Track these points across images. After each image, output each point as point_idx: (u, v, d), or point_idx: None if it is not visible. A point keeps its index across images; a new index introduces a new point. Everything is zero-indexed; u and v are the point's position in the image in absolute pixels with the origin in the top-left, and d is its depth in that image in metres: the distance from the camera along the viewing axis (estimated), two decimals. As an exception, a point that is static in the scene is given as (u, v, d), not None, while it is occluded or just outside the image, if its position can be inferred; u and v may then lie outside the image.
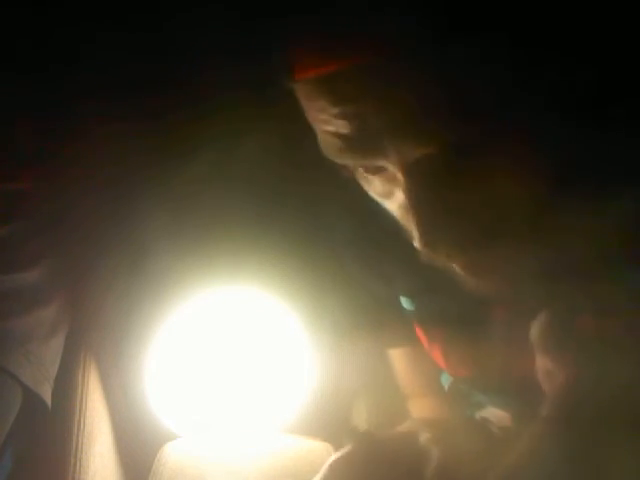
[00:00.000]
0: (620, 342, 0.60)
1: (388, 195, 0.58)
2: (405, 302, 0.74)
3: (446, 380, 0.79)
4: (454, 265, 0.59)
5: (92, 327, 0.87)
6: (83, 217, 0.83)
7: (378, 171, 0.56)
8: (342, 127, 0.53)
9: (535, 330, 0.58)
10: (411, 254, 0.65)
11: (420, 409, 0.82)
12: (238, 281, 0.88)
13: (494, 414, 0.74)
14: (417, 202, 0.54)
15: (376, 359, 0.87)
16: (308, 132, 0.73)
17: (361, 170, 0.58)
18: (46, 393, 0.75)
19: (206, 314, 0.88)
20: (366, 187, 0.60)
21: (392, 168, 0.54)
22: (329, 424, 0.91)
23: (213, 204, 0.85)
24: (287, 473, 0.82)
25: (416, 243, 0.55)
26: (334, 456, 0.66)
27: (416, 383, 0.83)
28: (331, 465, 0.65)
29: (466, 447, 0.66)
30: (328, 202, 0.75)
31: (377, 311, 0.78)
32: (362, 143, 0.53)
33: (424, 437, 0.66)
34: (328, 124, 0.54)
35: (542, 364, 0.59)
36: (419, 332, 0.75)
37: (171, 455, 0.85)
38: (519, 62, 0.50)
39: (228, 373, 0.88)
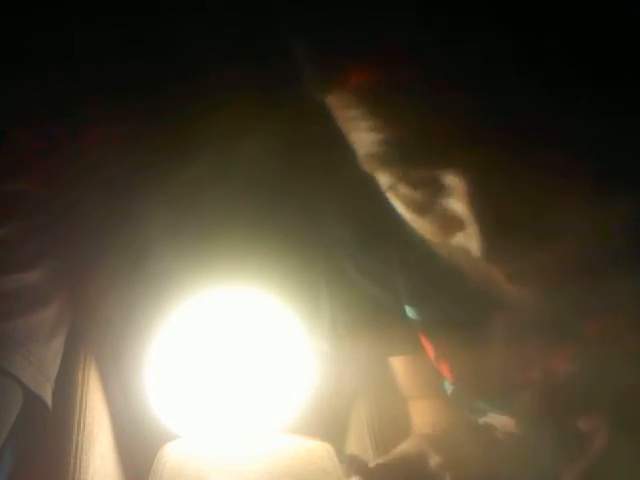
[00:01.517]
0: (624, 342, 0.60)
1: (426, 207, 0.57)
2: (410, 311, 0.73)
3: (449, 386, 0.79)
4: (496, 273, 0.58)
5: (92, 327, 0.87)
6: (83, 217, 0.83)
7: (422, 182, 0.56)
8: (398, 134, 0.52)
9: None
10: (414, 260, 0.64)
11: (421, 411, 0.82)
12: (238, 281, 0.88)
13: (498, 419, 0.74)
14: (480, 209, 0.54)
15: (376, 359, 0.87)
16: (310, 133, 0.73)
17: (399, 183, 0.57)
18: (47, 394, 0.75)
19: (206, 314, 0.88)
20: (398, 200, 0.59)
21: (448, 178, 0.54)
22: (329, 424, 0.91)
23: (213, 204, 0.85)
24: (287, 473, 0.81)
25: (475, 251, 0.55)
26: None
27: (417, 385, 0.83)
28: None
29: (470, 452, 0.66)
30: (328, 205, 0.74)
31: (377, 312, 0.78)
32: (419, 151, 0.53)
33: (433, 459, 0.66)
34: (376, 131, 0.53)
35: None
36: (424, 341, 0.74)
37: (171, 455, 0.85)
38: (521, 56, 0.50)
39: (228, 373, 0.88)
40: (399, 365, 0.83)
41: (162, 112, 0.81)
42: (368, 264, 0.74)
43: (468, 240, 0.56)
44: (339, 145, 0.58)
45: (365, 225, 0.71)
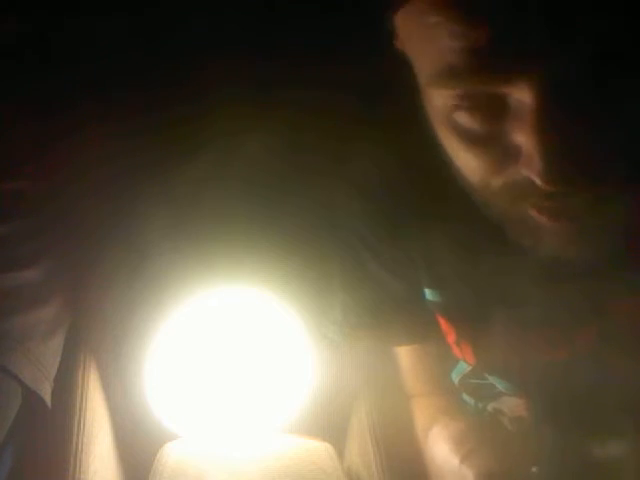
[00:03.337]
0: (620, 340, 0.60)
1: (487, 133, 0.54)
2: (430, 294, 0.73)
3: (458, 374, 0.78)
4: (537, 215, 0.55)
5: (92, 327, 0.87)
6: (83, 217, 0.83)
7: (489, 102, 0.52)
8: (477, 39, 0.49)
9: None
10: (436, 241, 0.64)
11: (424, 408, 0.81)
12: (238, 281, 0.88)
13: (507, 404, 0.73)
14: (548, 127, 0.50)
15: (377, 359, 0.87)
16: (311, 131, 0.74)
17: (466, 104, 0.53)
18: (46, 392, 0.75)
19: (206, 314, 0.88)
20: (455, 131, 0.56)
21: (518, 92, 0.50)
22: (329, 424, 0.91)
23: (213, 204, 0.85)
24: (287, 473, 0.81)
25: (534, 175, 0.52)
26: None
27: (421, 380, 0.83)
28: None
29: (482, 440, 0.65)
30: (342, 201, 0.74)
31: (379, 310, 0.78)
32: (497, 57, 0.49)
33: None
34: (455, 39, 0.50)
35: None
36: (444, 324, 0.74)
37: (171, 455, 0.85)
38: None
39: (228, 373, 0.88)
40: (404, 359, 0.83)
41: (162, 111, 0.82)
42: (389, 256, 0.73)
43: (522, 174, 0.53)
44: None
45: (386, 217, 0.70)
